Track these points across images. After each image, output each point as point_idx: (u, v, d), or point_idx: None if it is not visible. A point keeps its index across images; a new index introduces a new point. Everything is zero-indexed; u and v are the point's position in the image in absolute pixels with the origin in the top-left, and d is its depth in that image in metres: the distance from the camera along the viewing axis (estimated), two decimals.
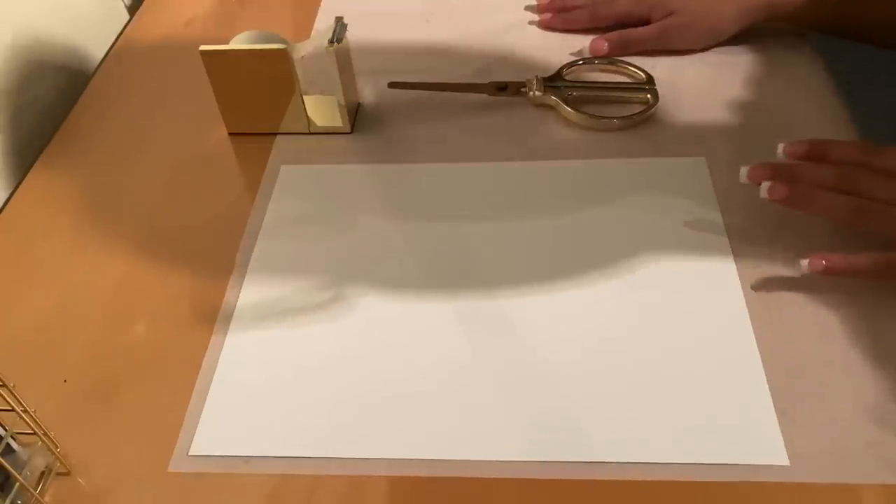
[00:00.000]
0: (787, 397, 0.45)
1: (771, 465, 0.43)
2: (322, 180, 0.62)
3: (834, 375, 0.46)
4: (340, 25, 0.61)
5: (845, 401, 0.45)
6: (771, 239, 0.53)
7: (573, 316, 0.51)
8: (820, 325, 0.49)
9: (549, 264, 0.54)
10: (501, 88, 0.66)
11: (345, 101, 0.63)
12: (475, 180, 0.60)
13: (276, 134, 0.66)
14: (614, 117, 0.64)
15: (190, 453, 0.46)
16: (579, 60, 0.69)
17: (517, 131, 0.64)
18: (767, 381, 0.46)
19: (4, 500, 0.42)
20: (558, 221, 0.57)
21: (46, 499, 0.44)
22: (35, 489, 0.43)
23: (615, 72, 0.69)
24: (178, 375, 0.49)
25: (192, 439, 0.46)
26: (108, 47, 0.79)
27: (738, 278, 0.52)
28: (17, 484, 0.41)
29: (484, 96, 0.66)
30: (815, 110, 0.63)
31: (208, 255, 0.57)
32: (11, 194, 0.64)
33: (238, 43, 0.63)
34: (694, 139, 0.62)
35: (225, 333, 0.51)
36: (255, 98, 0.63)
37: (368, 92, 0.69)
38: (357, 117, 0.66)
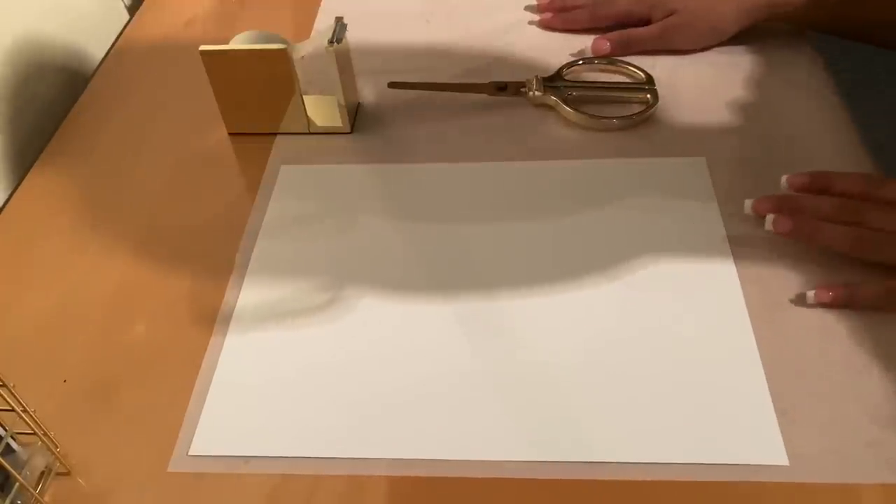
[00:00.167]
0: (787, 397, 0.45)
1: (771, 465, 0.43)
2: (322, 180, 0.62)
3: (834, 376, 0.46)
4: (340, 25, 0.61)
5: (845, 401, 0.45)
6: (770, 238, 0.53)
7: (572, 315, 0.51)
8: (820, 326, 0.49)
9: (548, 264, 0.54)
10: (501, 88, 0.66)
11: (345, 101, 0.63)
12: (475, 180, 0.60)
13: (276, 134, 0.66)
14: (614, 117, 0.64)
15: (190, 453, 0.46)
16: (579, 60, 0.69)
17: (517, 131, 0.64)
18: (767, 381, 0.46)
19: (4, 500, 0.42)
20: (558, 221, 0.57)
21: (46, 499, 0.44)
22: (35, 489, 0.43)
23: (615, 72, 0.69)
24: (178, 375, 0.49)
25: (191, 439, 0.46)
26: (108, 47, 0.79)
27: (737, 278, 0.52)
28: (17, 484, 0.41)
29: (484, 96, 0.66)
30: (814, 110, 0.63)
31: (208, 255, 0.57)
32: (11, 194, 0.64)
33: (238, 43, 0.63)
34: (694, 139, 0.62)
35: (225, 333, 0.51)
36: (254, 98, 0.63)
37: (368, 92, 0.69)
38: (357, 117, 0.66)
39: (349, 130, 0.65)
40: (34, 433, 0.43)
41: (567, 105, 0.64)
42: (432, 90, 0.67)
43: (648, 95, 0.65)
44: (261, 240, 0.57)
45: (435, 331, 0.50)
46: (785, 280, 0.51)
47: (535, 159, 0.62)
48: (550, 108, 0.65)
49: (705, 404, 0.46)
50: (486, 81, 0.67)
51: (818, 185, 0.54)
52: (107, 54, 0.78)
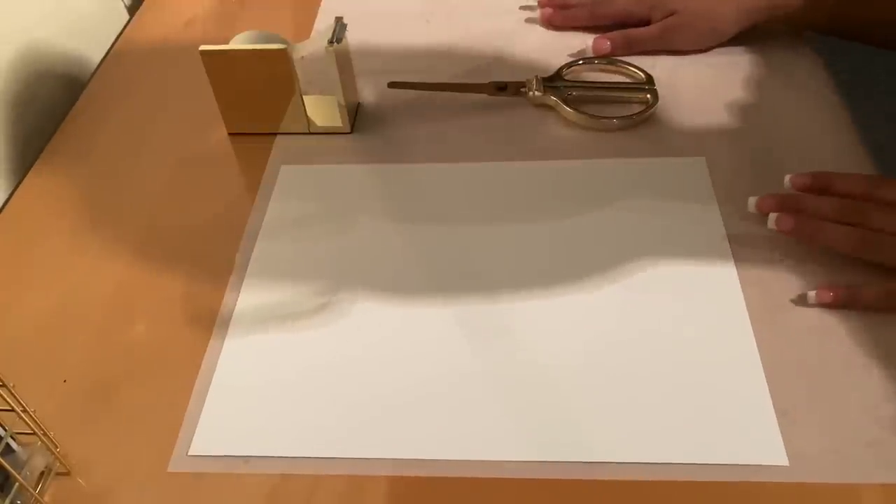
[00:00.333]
0: (787, 397, 0.45)
1: (771, 466, 0.43)
2: (322, 180, 0.62)
3: (834, 376, 0.46)
4: (340, 25, 0.61)
5: (845, 401, 0.45)
6: (770, 239, 0.53)
7: (572, 315, 0.51)
8: (820, 326, 0.49)
9: (548, 264, 0.54)
10: (501, 88, 0.66)
11: (345, 101, 0.63)
12: (475, 180, 0.60)
13: (276, 134, 0.66)
14: (614, 117, 0.64)
15: (189, 453, 0.46)
16: (579, 60, 0.69)
17: (517, 131, 0.64)
18: (767, 381, 0.46)
19: (4, 500, 0.42)
20: (557, 221, 0.57)
21: (46, 499, 0.44)
22: (35, 489, 0.43)
23: (615, 72, 0.69)
24: (178, 375, 0.49)
25: (191, 439, 0.46)
26: (107, 48, 0.79)
27: (737, 278, 0.52)
28: (17, 484, 0.41)
29: (484, 96, 0.66)
30: (814, 110, 0.63)
31: (208, 256, 0.57)
32: (11, 194, 0.64)
33: (238, 43, 0.63)
34: (694, 139, 0.62)
35: (224, 333, 0.51)
36: (254, 98, 0.63)
37: (368, 92, 0.69)
38: (357, 117, 0.66)
39: (349, 130, 0.65)
40: (34, 433, 0.43)
41: (567, 105, 0.64)
42: (432, 90, 0.67)
43: (648, 95, 0.65)
44: (261, 240, 0.57)
45: (435, 331, 0.50)
46: (785, 281, 0.51)
47: (535, 159, 0.62)
48: (550, 108, 0.65)
49: (705, 404, 0.46)
50: (486, 81, 0.67)
51: (819, 185, 0.54)
52: (106, 55, 0.78)
